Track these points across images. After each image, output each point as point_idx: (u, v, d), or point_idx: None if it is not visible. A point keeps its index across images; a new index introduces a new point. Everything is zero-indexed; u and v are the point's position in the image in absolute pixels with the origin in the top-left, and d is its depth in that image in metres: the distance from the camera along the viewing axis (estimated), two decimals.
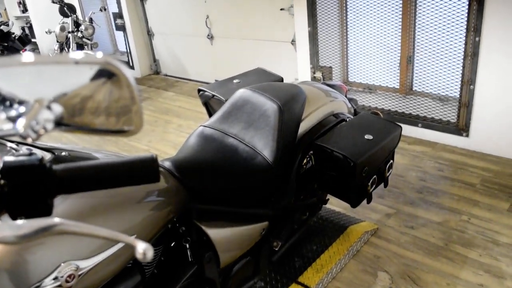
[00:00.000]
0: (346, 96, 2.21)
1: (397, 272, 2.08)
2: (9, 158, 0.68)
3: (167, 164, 1.44)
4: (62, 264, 0.95)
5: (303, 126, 1.77)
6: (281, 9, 4.20)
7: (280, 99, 1.66)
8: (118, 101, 0.62)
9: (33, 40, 7.02)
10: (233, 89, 1.95)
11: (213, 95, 1.96)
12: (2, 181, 0.65)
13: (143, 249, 0.67)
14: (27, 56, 0.59)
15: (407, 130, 3.49)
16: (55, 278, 0.94)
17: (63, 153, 1.23)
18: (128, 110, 0.63)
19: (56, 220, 0.68)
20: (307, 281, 1.98)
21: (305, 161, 1.85)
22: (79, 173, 0.69)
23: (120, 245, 1.05)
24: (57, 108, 0.60)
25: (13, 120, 0.60)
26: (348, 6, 3.79)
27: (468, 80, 3.05)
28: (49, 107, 0.60)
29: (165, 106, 4.91)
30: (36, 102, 0.59)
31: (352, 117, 2.01)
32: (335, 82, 2.19)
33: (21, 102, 0.60)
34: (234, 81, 2.10)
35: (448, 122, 3.28)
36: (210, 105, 2.04)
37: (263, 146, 1.60)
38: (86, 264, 0.98)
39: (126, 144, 3.95)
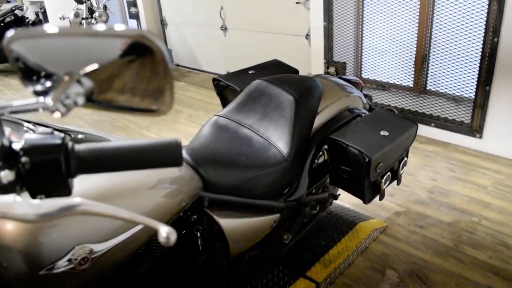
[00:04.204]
0: (361, 92, 2.19)
1: (405, 270, 2.07)
2: (31, 136, 0.67)
3: (182, 151, 1.43)
4: (77, 246, 0.95)
5: (318, 120, 1.76)
6: (297, 3, 4.16)
7: (296, 92, 1.65)
8: (150, 78, 0.60)
9: None
10: (248, 80, 1.94)
11: (228, 85, 1.95)
12: (24, 159, 0.65)
13: (166, 233, 0.67)
14: (53, 27, 0.57)
15: (420, 129, 3.42)
16: (69, 260, 0.94)
17: (79, 136, 1.23)
18: (160, 88, 0.61)
19: (78, 199, 0.67)
20: (314, 275, 1.97)
21: (318, 155, 1.84)
22: (101, 153, 0.68)
23: (134, 230, 1.05)
24: (88, 83, 0.58)
25: (40, 94, 0.59)
26: (364, 2, 3.76)
27: (484, 81, 3.01)
28: (79, 81, 0.58)
29: (176, 96, 4.89)
30: (66, 75, 0.57)
31: (367, 113, 1.99)
32: (350, 77, 2.17)
33: (49, 76, 0.59)
34: (249, 72, 2.09)
35: (461, 122, 3.25)
36: (224, 95, 2.03)
37: (278, 138, 1.59)
38: (100, 248, 0.98)
39: (136, 133, 3.96)
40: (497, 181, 2.78)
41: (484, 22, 2.93)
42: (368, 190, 1.69)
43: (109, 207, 0.71)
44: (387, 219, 2.47)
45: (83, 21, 5.21)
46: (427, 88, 3.66)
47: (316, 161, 1.88)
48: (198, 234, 1.42)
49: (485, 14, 2.92)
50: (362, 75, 4.05)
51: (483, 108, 3.07)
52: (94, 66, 0.58)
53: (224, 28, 5.10)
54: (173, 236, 0.67)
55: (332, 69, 3.85)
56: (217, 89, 2.03)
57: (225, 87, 1.98)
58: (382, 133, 1.68)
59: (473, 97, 3.13)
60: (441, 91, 3.49)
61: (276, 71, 2.11)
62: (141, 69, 0.59)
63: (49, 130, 0.69)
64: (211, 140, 1.57)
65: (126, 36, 0.57)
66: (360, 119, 1.81)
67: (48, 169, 0.65)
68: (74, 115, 4.51)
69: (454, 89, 3.39)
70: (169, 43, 6.08)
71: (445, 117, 3.34)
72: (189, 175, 1.35)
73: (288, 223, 1.81)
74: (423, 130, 3.43)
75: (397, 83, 3.80)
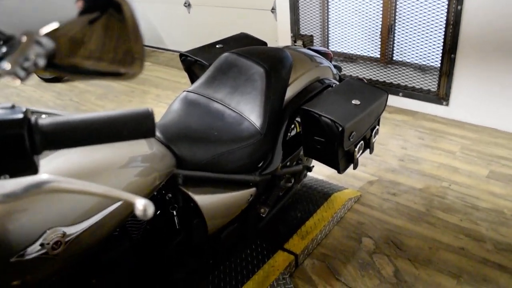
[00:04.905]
0: (331, 63, 2.18)
1: (381, 237, 2.10)
2: None
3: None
4: (48, 230, 0.91)
5: (290, 91, 1.73)
6: None
7: (267, 63, 1.61)
8: (118, 38, 0.55)
9: None
10: (216, 54, 1.89)
11: (196, 60, 1.90)
12: None
13: (143, 205, 0.63)
14: None
15: (389, 99, 3.48)
16: (41, 245, 0.89)
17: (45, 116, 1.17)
18: (128, 49, 0.56)
19: (46, 176, 0.63)
20: (292, 247, 1.98)
21: (291, 127, 1.82)
22: (67, 127, 0.64)
23: (108, 211, 1.00)
24: (49, 43, 0.53)
25: None
26: None
27: (449, 49, 3.05)
28: (39, 42, 0.53)
29: (141, 77, 4.77)
30: (24, 36, 0.52)
31: (337, 83, 1.98)
32: (320, 47, 2.15)
33: (6, 40, 0.53)
34: (217, 46, 2.03)
35: (428, 91, 3.30)
36: (192, 71, 1.97)
37: (250, 111, 1.56)
38: (73, 231, 0.94)
39: None
40: (464, 146, 2.85)
41: None
42: (342, 160, 1.69)
43: (81, 183, 0.66)
44: (360, 188, 2.50)
45: None
46: (394, 59, 3.69)
47: (289, 133, 1.87)
48: (174, 212, 1.39)
49: None
50: (330, 47, 4.05)
51: (448, 76, 3.12)
52: (54, 25, 0.53)
53: (187, 5, 4.96)
54: (151, 209, 0.64)
55: (299, 42, 3.82)
56: (184, 65, 1.97)
57: (193, 63, 1.92)
58: (353, 102, 1.67)
59: (439, 66, 3.18)
60: (408, 61, 3.53)
61: (244, 44, 2.06)
62: (107, 28, 0.54)
63: (9, 104, 0.64)
64: (181, 116, 1.52)
65: None
66: (331, 89, 1.79)
67: (10, 146, 0.60)
68: (35, 100, 4.33)
69: (420, 59, 3.43)
70: None
71: (412, 86, 3.38)
72: (161, 152, 1.30)
73: (264, 196, 1.79)
74: (392, 99, 3.47)
75: (364, 54, 3.82)
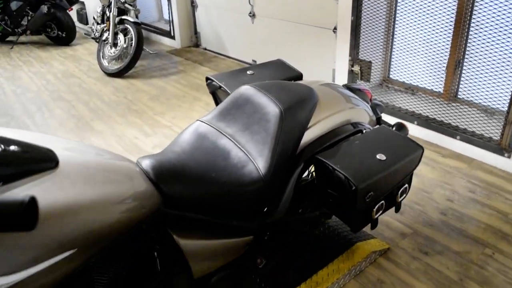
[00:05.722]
0: (370, 102, 1.99)
1: None
2: None
3: (146, 163, 1.31)
4: None
5: (310, 134, 1.58)
6: None
7: (284, 103, 1.48)
8: None
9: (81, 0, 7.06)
10: (243, 81, 1.78)
11: (220, 86, 1.80)
12: None
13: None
14: None
15: (444, 140, 3.20)
16: None
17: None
18: None
19: None
20: None
21: (307, 172, 1.67)
22: None
23: (49, 263, 0.93)
24: None
25: None
26: None
27: None
28: None
29: (196, 82, 4.79)
30: None
31: (370, 128, 1.79)
32: (359, 85, 1.97)
33: None
34: (248, 72, 1.93)
35: (490, 139, 2.97)
36: (217, 96, 1.88)
37: (258, 153, 1.44)
38: (3, 282, 0.87)
39: (150, 118, 3.88)
40: None
41: None
42: (357, 219, 1.52)
43: None
44: (390, 240, 2.28)
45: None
46: (458, 96, 3.38)
47: (307, 178, 1.72)
48: (155, 253, 1.30)
49: None
50: (390, 76, 3.80)
51: None
52: None
53: (252, 15, 4.91)
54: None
55: (356, 68, 3.62)
56: (209, 89, 1.88)
57: (218, 88, 1.83)
58: (378, 156, 1.49)
59: (506, 110, 2.85)
60: (473, 100, 3.22)
61: (277, 73, 1.94)
62: None
63: None
64: (184, 150, 1.43)
65: None
66: (358, 137, 1.62)
67: None
68: (93, 93, 4.48)
69: (486, 100, 3.10)
70: (198, 26, 5.95)
71: (473, 130, 3.06)
72: (149, 190, 1.22)
73: (264, 246, 1.66)
74: (447, 142, 3.18)
75: (426, 87, 3.54)
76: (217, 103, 1.92)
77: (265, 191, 1.42)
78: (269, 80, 1.86)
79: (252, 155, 1.44)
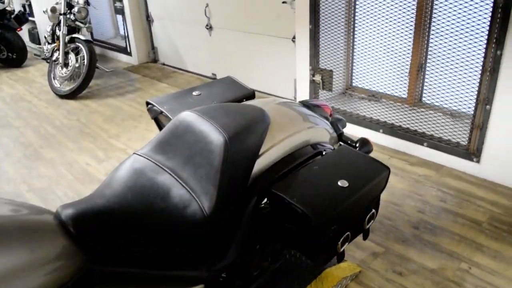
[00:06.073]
0: (331, 118, 1.85)
1: None
2: None
3: (67, 213, 1.10)
4: None
5: (263, 162, 1.41)
6: (283, 2, 3.80)
7: (229, 129, 1.30)
8: None
9: (31, 19, 6.72)
10: (189, 104, 1.60)
11: (161, 111, 1.61)
12: None
13: None
14: None
15: (411, 148, 3.10)
16: None
17: None
18: None
19: None
20: None
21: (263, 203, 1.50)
22: None
23: None
24: None
25: None
26: (356, 4, 3.38)
27: (485, 98, 2.64)
28: None
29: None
30: None
31: (332, 148, 1.64)
32: (316, 101, 1.82)
33: None
34: (194, 93, 1.75)
35: (457, 144, 2.88)
36: (160, 122, 1.69)
37: (201, 190, 1.25)
38: None
39: (103, 141, 3.64)
40: (493, 217, 2.42)
41: (487, 33, 2.55)
42: (320, 252, 1.35)
43: None
44: (361, 261, 2.13)
45: (61, 17, 4.87)
46: (422, 100, 3.30)
47: (263, 210, 1.54)
48: None
49: (488, 24, 2.54)
50: (352, 83, 3.69)
51: (482, 129, 2.70)
52: None
53: (209, 27, 4.74)
54: None
55: (318, 77, 3.49)
56: (151, 114, 1.69)
57: (159, 113, 1.64)
58: (340, 183, 1.33)
59: (472, 114, 2.76)
60: (437, 104, 3.13)
61: (227, 92, 1.76)
62: None
63: None
64: (115, 192, 1.23)
65: None
66: (317, 161, 1.46)
67: None
68: (43, 118, 4.20)
69: (451, 104, 3.02)
70: (155, 41, 5.74)
71: (440, 136, 2.97)
72: (68, 247, 1.03)
73: (223, 285, 1.47)
74: (415, 149, 3.08)
75: (390, 93, 3.44)
76: (160, 129, 1.73)
77: (213, 233, 1.23)
78: (218, 102, 1.68)
79: (195, 193, 1.25)
